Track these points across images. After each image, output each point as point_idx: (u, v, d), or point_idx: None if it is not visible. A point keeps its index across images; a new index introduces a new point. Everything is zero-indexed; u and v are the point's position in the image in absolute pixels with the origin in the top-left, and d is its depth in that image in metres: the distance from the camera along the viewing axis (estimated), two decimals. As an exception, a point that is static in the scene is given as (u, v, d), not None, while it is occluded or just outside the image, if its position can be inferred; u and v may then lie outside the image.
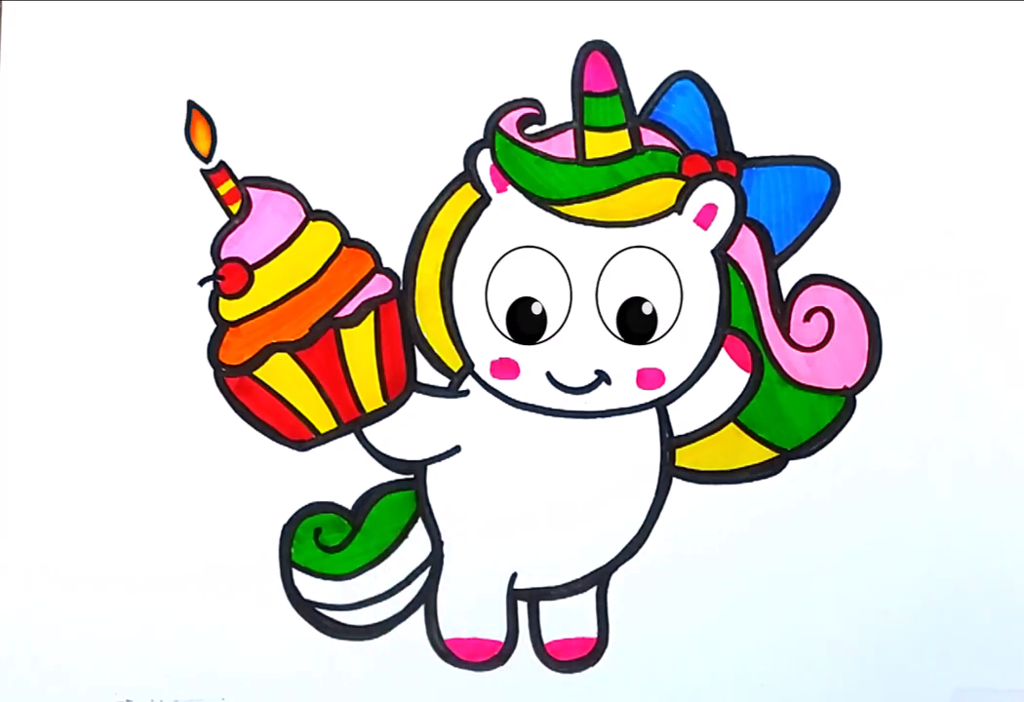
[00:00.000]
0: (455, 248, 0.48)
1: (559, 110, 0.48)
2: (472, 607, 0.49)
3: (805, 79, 0.48)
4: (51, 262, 0.48)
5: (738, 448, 0.49)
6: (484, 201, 0.48)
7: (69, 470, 0.48)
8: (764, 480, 0.49)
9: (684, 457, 0.49)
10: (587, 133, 0.48)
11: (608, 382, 0.48)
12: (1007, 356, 0.49)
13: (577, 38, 0.48)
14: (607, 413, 0.49)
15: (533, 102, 0.48)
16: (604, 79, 0.48)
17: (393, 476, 0.49)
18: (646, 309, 0.48)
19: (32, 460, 0.48)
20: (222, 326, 0.48)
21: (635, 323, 0.48)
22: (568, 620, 0.49)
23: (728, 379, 0.49)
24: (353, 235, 0.48)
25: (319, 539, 0.49)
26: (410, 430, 0.49)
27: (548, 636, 0.49)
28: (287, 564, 0.49)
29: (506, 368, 0.49)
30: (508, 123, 0.48)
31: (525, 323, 0.48)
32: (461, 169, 0.48)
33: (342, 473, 0.49)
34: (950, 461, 0.49)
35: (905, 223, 0.49)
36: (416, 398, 0.49)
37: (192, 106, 0.48)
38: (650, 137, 0.48)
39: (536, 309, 0.48)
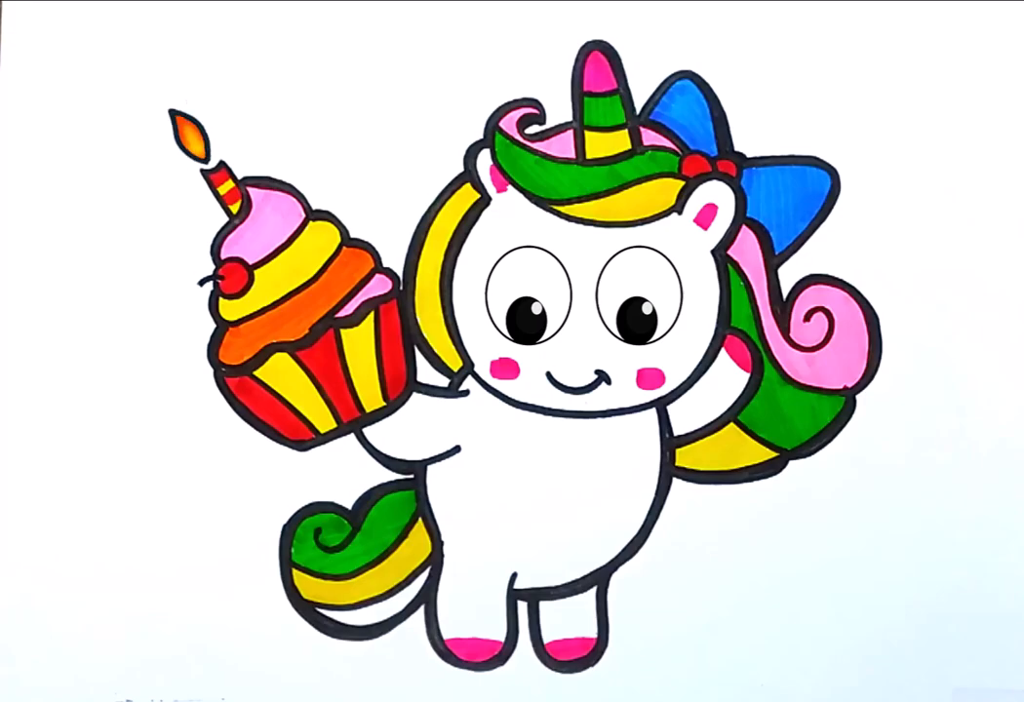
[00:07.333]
0: (455, 248, 0.48)
1: (559, 110, 0.48)
2: (472, 607, 0.49)
3: (805, 79, 0.48)
4: (52, 262, 0.48)
5: (738, 448, 0.49)
6: (484, 201, 0.48)
7: (69, 470, 0.48)
8: (764, 480, 0.49)
9: (684, 457, 0.49)
10: (587, 133, 0.48)
11: (608, 382, 0.48)
12: (1007, 356, 0.49)
13: (577, 38, 0.48)
14: (607, 413, 0.49)
15: (533, 102, 0.48)
16: (604, 79, 0.48)
17: (393, 476, 0.49)
18: (646, 309, 0.48)
19: (32, 460, 0.48)
20: (222, 326, 0.48)
21: (635, 323, 0.48)
22: (568, 620, 0.49)
23: (728, 379, 0.49)
24: (353, 235, 0.48)
25: (319, 539, 0.49)
26: (410, 430, 0.49)
27: (548, 636, 0.49)
28: (287, 564, 0.49)
29: (506, 368, 0.49)
30: (508, 123, 0.48)
31: (525, 323, 0.48)
32: (461, 169, 0.48)
33: (342, 473, 0.49)
34: (950, 461, 0.49)
35: (905, 223, 0.49)
36: (416, 398, 0.49)
37: (174, 114, 0.48)
38: (650, 137, 0.48)
39: (536, 309, 0.48)
